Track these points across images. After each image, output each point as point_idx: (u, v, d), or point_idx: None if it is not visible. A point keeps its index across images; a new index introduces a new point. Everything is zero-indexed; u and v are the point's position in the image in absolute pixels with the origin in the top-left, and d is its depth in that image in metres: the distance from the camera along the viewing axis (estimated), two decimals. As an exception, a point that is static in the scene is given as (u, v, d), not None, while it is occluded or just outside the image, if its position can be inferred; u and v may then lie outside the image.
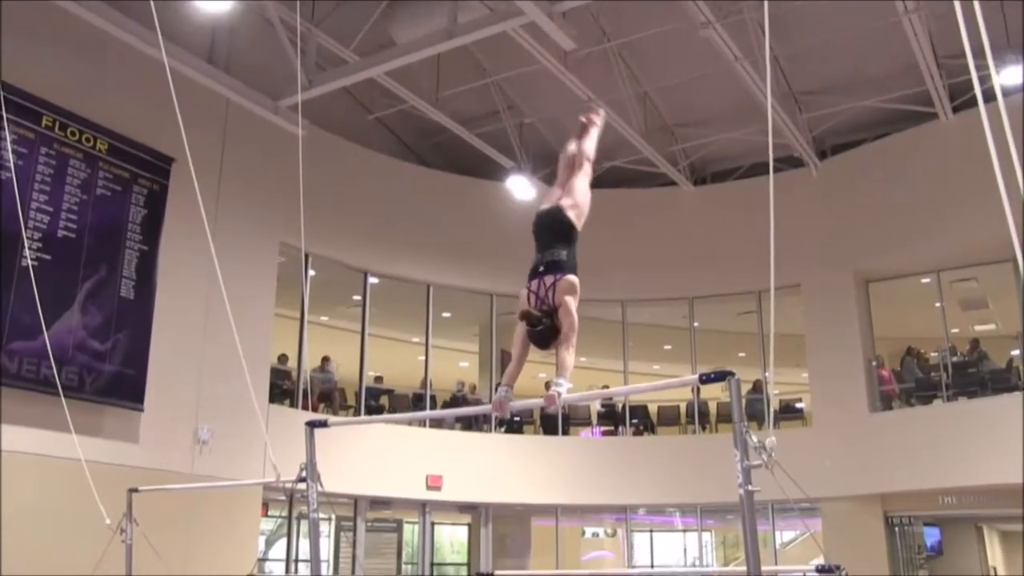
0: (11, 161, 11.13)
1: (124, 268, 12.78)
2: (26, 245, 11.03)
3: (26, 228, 11.12)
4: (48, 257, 11.76)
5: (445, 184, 17.90)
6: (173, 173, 13.19)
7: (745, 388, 15.14)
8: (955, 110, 15.08)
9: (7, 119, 10.68)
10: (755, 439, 4.61)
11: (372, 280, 17.16)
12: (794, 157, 16.55)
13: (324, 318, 17.96)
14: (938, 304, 16.30)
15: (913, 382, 16.17)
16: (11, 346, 11.22)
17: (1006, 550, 21.24)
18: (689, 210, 18.02)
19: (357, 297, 17.14)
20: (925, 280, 16.49)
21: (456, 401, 17.66)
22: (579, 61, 14.36)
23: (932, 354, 16.64)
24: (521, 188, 16.81)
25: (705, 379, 4.93)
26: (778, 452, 4.64)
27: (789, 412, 17.45)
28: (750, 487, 4.55)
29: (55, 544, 11.23)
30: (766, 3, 6.84)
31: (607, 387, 17.69)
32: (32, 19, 11.52)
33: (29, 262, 10.79)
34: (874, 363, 16.16)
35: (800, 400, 17.57)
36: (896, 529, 16.09)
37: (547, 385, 5.53)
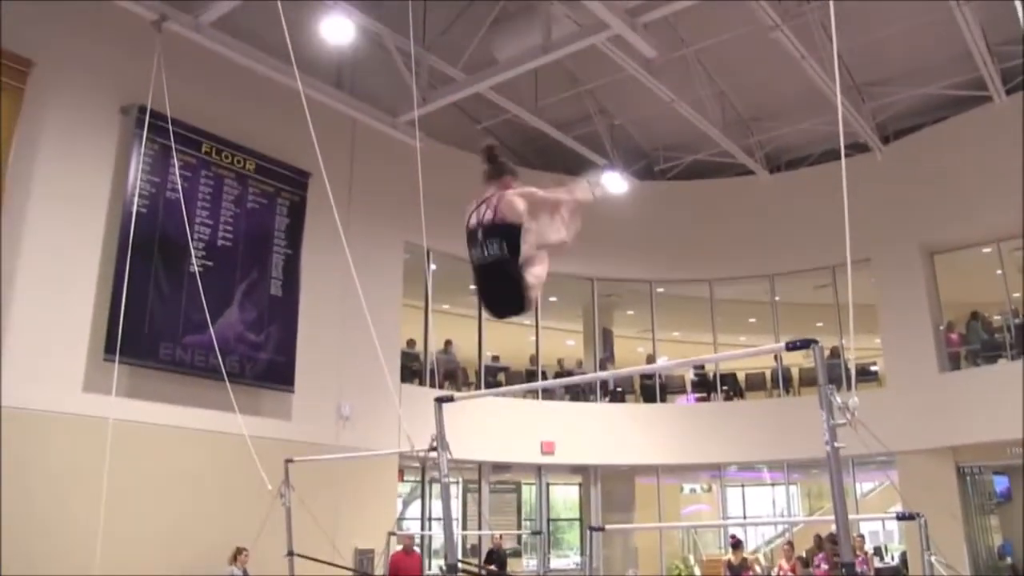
0: (179, 184, 11.57)
1: (273, 270, 13.16)
2: (192, 254, 11.47)
3: (192, 239, 11.56)
4: (211, 263, 12.20)
5: (546, 183, 17.88)
6: (310, 186, 13.51)
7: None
8: (1007, 92, 14.58)
9: (175, 148, 11.16)
10: (839, 400, 4.52)
11: (487, 271, 17.26)
12: (860, 143, 16.11)
13: (446, 306, 18.16)
14: (999, 271, 15.76)
15: (979, 343, 15.69)
16: (185, 340, 11.70)
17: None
18: (766, 196, 17.69)
19: (474, 287, 17.26)
20: (986, 250, 15.99)
21: (564, 375, 17.71)
22: (661, 67, 14.23)
23: (996, 317, 16.09)
24: (615, 183, 16.78)
25: (791, 346, 4.81)
26: (857, 411, 4.54)
27: (865, 375, 17.05)
28: (836, 444, 4.47)
29: (226, 508, 11.67)
30: (832, 3, 6.64)
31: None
32: (190, 62, 11.93)
33: (196, 268, 11.24)
34: (942, 327, 15.73)
35: (874, 363, 17.17)
36: (967, 478, 15.62)
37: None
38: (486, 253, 4.36)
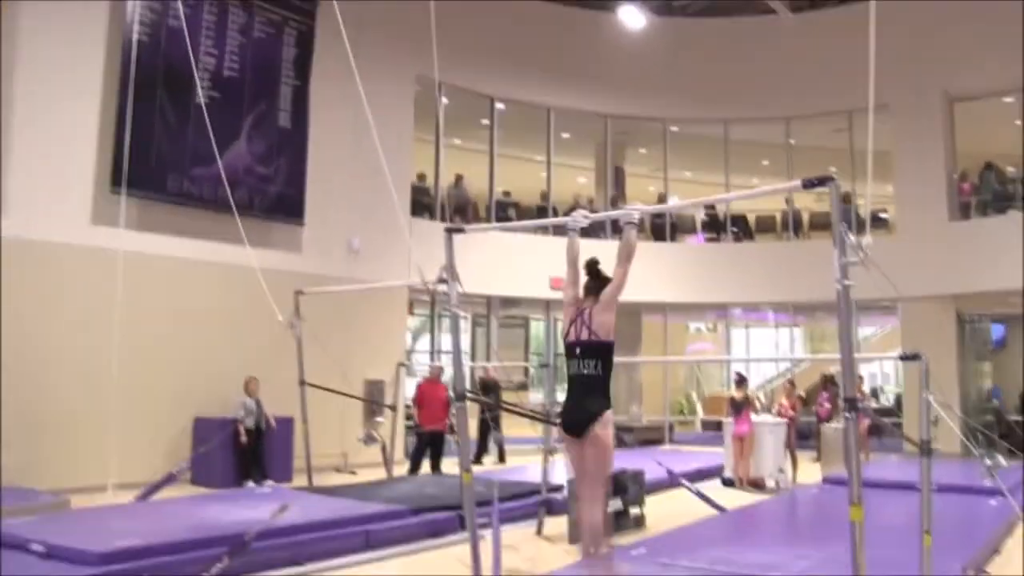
0: (180, 10, 11.19)
1: (281, 102, 12.91)
2: (198, 85, 11.16)
3: (197, 70, 11.21)
4: (217, 95, 11.94)
5: (562, 16, 17.30)
6: (319, 15, 13.09)
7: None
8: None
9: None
10: (852, 239, 4.44)
11: (498, 106, 17.02)
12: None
13: (457, 140, 17.95)
14: (1018, 122, 15.37)
15: (991, 194, 15.53)
16: (192, 172, 11.61)
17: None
18: (787, 36, 17.03)
19: (485, 121, 17.07)
20: (1008, 99, 15.55)
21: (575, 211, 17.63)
22: None
23: (1010, 169, 15.82)
24: (631, 17, 16.23)
25: (808, 184, 4.66)
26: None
27: (875, 221, 16.91)
28: (847, 282, 4.40)
29: (237, 339, 11.88)
30: None
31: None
32: None
33: (202, 99, 10.98)
34: (955, 176, 15.47)
35: (885, 210, 17.03)
36: (967, 326, 15.93)
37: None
38: (584, 371, 4.96)
